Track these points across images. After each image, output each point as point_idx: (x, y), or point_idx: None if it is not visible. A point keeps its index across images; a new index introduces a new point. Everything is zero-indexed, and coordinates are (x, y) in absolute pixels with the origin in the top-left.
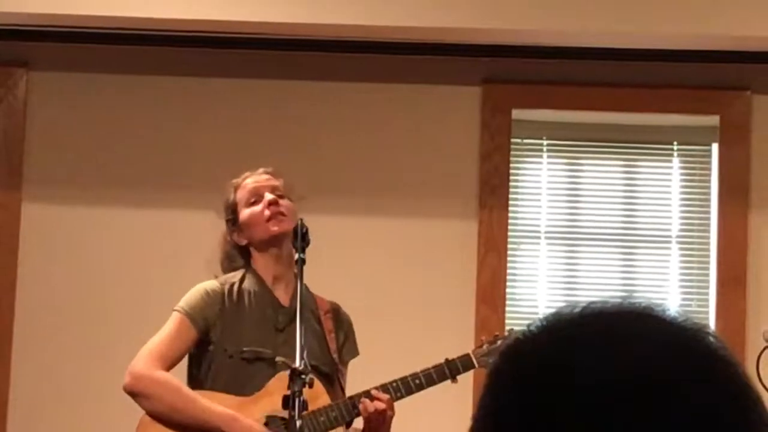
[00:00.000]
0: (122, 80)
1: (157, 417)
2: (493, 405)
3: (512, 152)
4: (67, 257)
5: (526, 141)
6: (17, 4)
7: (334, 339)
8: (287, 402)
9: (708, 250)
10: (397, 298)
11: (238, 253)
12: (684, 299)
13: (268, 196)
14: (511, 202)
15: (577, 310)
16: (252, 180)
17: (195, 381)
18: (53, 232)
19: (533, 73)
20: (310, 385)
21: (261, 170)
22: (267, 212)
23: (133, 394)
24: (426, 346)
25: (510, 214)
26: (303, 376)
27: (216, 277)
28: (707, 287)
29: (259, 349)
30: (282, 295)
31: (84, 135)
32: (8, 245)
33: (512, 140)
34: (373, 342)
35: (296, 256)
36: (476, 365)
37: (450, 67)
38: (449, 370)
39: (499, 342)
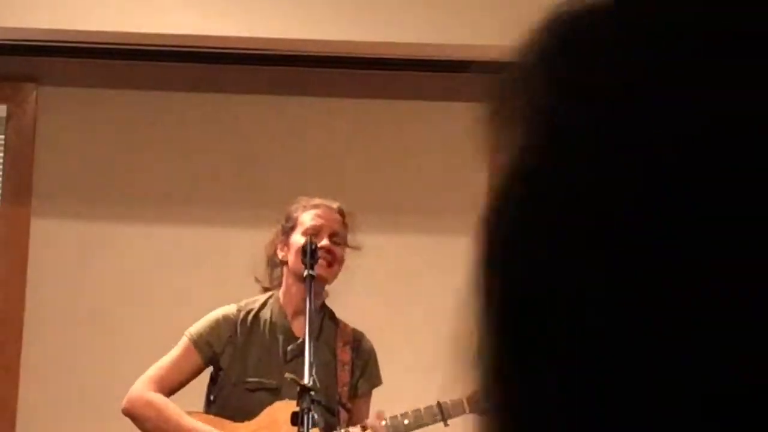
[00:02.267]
0: (131, 96)
1: None
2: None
3: None
4: (76, 272)
5: None
6: (27, 19)
7: (348, 371)
8: (296, 419)
9: None
10: (417, 316)
11: (278, 264)
12: None
13: (324, 242)
14: None
15: None
16: (321, 212)
17: (209, 403)
18: (62, 246)
19: None
20: (319, 402)
21: (336, 205)
22: (319, 258)
23: (128, 416)
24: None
25: None
26: (312, 393)
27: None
28: None
29: (262, 379)
30: (298, 327)
31: (93, 150)
32: (17, 260)
33: None
34: (390, 361)
35: (305, 272)
36: (467, 411)
37: (471, 84)
38: (441, 413)
39: None
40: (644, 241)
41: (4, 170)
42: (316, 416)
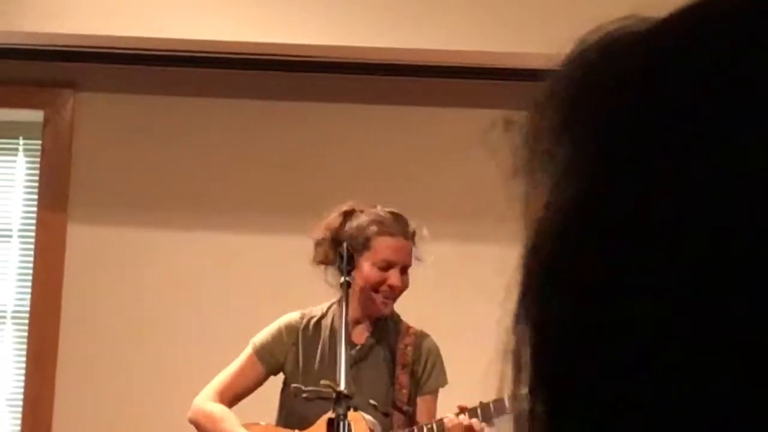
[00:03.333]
0: (168, 102)
1: None
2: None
3: None
4: (112, 278)
5: None
6: (65, 25)
7: (408, 374)
8: (332, 425)
9: None
10: (446, 323)
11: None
12: None
13: (394, 279)
14: None
15: None
16: (396, 244)
17: (279, 411)
18: (98, 253)
19: None
20: (355, 409)
21: (409, 230)
22: (384, 292)
23: (193, 425)
24: (477, 372)
25: None
26: (348, 399)
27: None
28: None
29: (320, 389)
30: (358, 335)
31: (130, 156)
32: (54, 266)
33: None
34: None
35: (341, 279)
36: (509, 411)
37: (500, 91)
38: (482, 413)
39: None
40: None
41: (41, 176)
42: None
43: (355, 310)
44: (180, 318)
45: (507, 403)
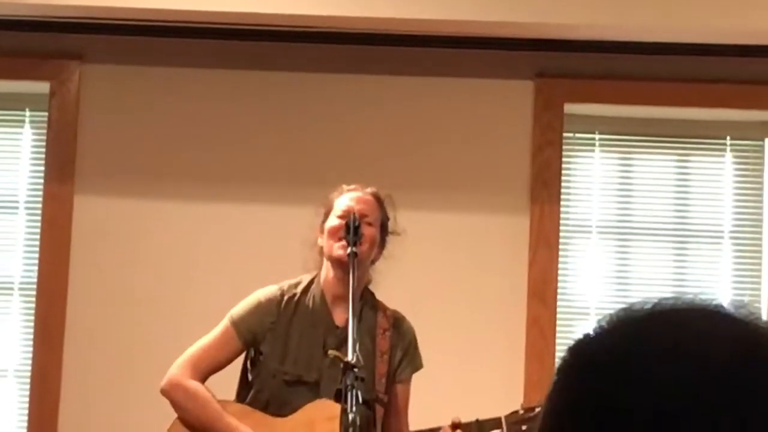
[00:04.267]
0: (175, 73)
1: (185, 424)
2: (565, 401)
3: (564, 147)
4: (119, 249)
5: (578, 135)
6: None
7: (387, 361)
8: (339, 395)
9: (760, 244)
10: (447, 294)
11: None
12: (736, 296)
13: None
14: (563, 197)
15: (648, 306)
16: (354, 195)
17: (244, 384)
18: (105, 224)
19: (586, 68)
20: (363, 379)
21: (369, 190)
22: (340, 235)
23: (166, 397)
24: (476, 342)
25: (562, 209)
26: (355, 370)
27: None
28: (759, 282)
29: (301, 372)
30: (339, 316)
31: (136, 127)
32: (61, 237)
33: (564, 135)
34: (422, 339)
35: (348, 249)
36: (505, 430)
37: (502, 62)
38: (477, 429)
39: (536, 411)
40: None
41: (47, 148)
42: (359, 393)
43: (332, 283)
44: (188, 288)
45: (504, 424)
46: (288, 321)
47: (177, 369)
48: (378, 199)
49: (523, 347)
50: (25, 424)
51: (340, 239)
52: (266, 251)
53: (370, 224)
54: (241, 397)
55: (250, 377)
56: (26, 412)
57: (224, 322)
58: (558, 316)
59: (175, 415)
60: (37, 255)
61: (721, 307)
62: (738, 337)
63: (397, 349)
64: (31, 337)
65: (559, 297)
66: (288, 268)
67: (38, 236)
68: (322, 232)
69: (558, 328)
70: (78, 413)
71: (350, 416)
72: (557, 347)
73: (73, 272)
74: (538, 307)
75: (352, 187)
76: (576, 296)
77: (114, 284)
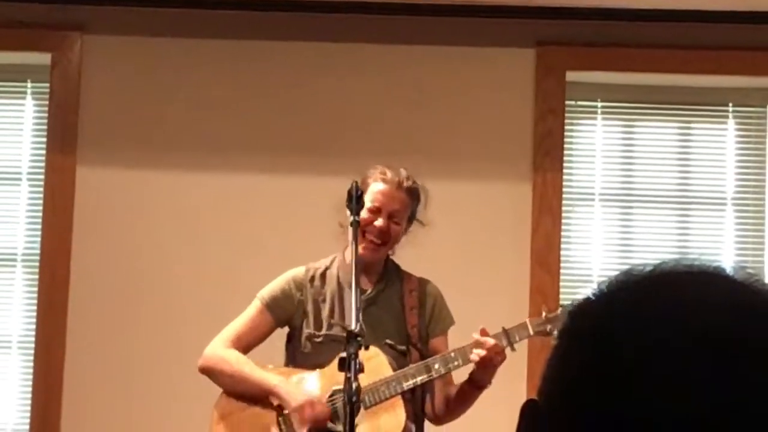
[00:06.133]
0: (176, 43)
1: (226, 391)
2: (566, 364)
3: (566, 114)
4: (122, 220)
5: (580, 103)
6: None
7: (416, 315)
8: (343, 364)
9: (763, 211)
10: (450, 262)
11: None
12: (739, 261)
13: (379, 221)
14: (565, 165)
15: (648, 270)
16: (386, 190)
17: (287, 363)
18: (107, 194)
19: (587, 35)
20: (366, 347)
21: (405, 183)
22: (370, 235)
23: (205, 372)
24: (480, 309)
25: (564, 177)
26: (359, 339)
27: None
28: (762, 249)
29: (336, 332)
30: (365, 282)
31: (138, 98)
32: (63, 208)
33: (566, 102)
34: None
35: (351, 218)
36: (531, 333)
37: (504, 30)
38: (507, 338)
39: (559, 311)
40: None
41: (49, 119)
42: (361, 362)
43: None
44: (190, 258)
45: (530, 327)
46: (316, 294)
47: (211, 345)
48: (411, 194)
49: (527, 314)
50: (29, 395)
51: (364, 235)
52: (269, 221)
53: (397, 223)
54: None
55: (289, 354)
56: (30, 383)
57: (255, 303)
58: (561, 283)
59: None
60: (39, 226)
61: (721, 269)
62: (736, 299)
63: (425, 307)
64: (35, 308)
65: (562, 264)
66: (292, 236)
67: (41, 208)
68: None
69: (561, 296)
70: (82, 384)
71: (353, 384)
72: None
73: (75, 243)
74: (542, 274)
75: (389, 175)
76: (579, 263)
77: (117, 254)
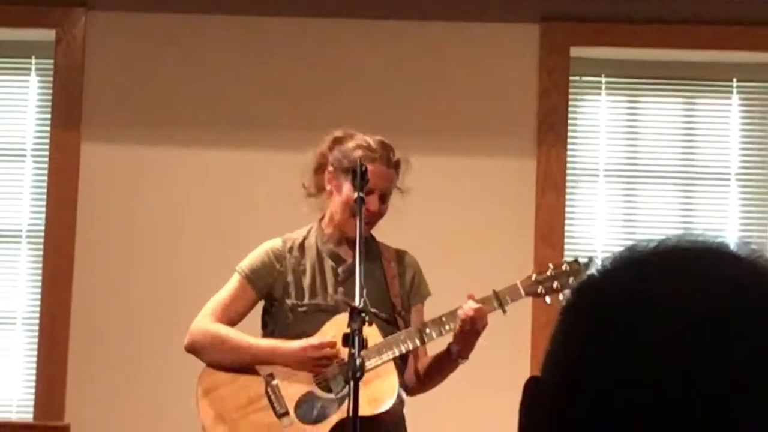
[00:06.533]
0: (180, 19)
1: (214, 366)
2: (569, 340)
3: (570, 90)
4: (126, 196)
5: (584, 78)
6: None
7: (398, 284)
8: (347, 340)
9: (767, 187)
10: (454, 237)
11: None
12: (743, 237)
13: (372, 204)
14: (569, 140)
15: (651, 246)
16: (377, 170)
17: (266, 332)
18: (112, 171)
19: (592, 11)
20: (370, 324)
21: (394, 157)
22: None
23: (192, 351)
24: (483, 285)
25: (568, 152)
26: (363, 314)
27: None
28: (766, 225)
29: (318, 302)
30: (345, 252)
31: (142, 75)
32: (68, 185)
33: (570, 78)
34: (430, 282)
35: (355, 194)
36: (523, 295)
37: (508, 5)
38: (497, 301)
39: (548, 272)
40: None
41: (53, 95)
42: (366, 338)
43: (338, 226)
44: (195, 234)
45: (520, 288)
46: (296, 263)
47: (196, 322)
48: (398, 168)
49: None
50: (34, 371)
51: (354, 215)
52: (272, 196)
53: (385, 200)
54: None
55: (269, 327)
56: (35, 359)
57: (235, 277)
58: (565, 258)
59: (195, 368)
60: (44, 203)
61: (725, 245)
62: (740, 275)
63: (404, 277)
64: (40, 284)
65: (566, 240)
66: (292, 213)
67: (45, 184)
68: (334, 180)
69: None
70: (86, 360)
71: (358, 360)
72: None
73: (80, 219)
74: (546, 250)
75: (378, 152)
76: (583, 239)
77: (121, 231)
